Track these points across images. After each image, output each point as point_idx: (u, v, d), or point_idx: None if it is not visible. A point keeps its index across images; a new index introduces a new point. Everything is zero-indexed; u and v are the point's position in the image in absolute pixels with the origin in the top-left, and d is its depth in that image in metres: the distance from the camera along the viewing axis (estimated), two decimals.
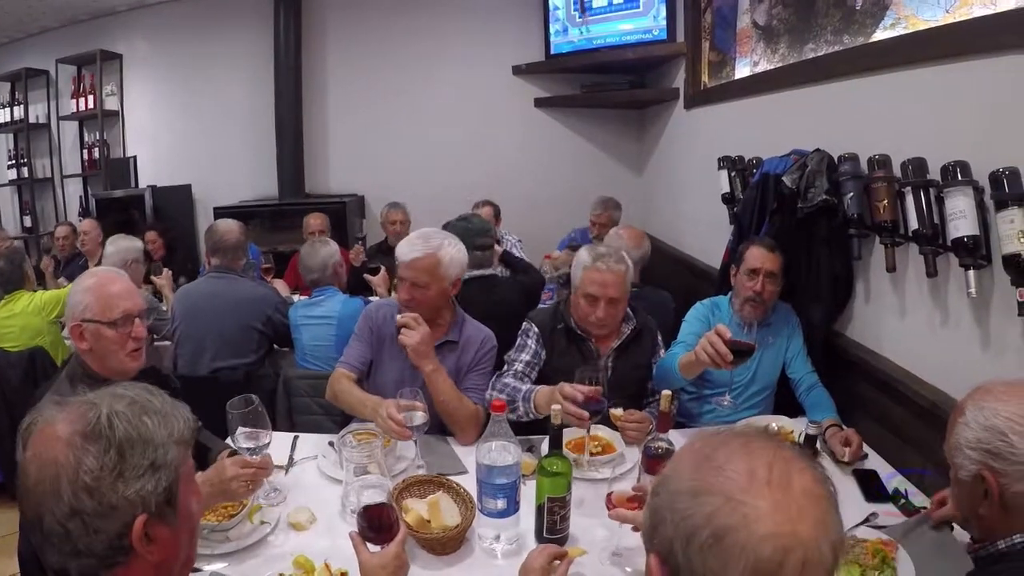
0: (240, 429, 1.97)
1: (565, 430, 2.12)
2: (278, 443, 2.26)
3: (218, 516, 1.95)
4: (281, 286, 4.46)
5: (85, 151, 6.81)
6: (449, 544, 1.87)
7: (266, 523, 1.98)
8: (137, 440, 1.08)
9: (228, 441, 2.11)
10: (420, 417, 2.20)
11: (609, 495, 1.89)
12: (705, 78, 4.72)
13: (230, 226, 3.60)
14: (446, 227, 3.45)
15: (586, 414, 2.12)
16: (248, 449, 1.96)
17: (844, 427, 2.52)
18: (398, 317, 2.45)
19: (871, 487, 2.22)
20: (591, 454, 2.31)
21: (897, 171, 2.39)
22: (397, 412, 2.19)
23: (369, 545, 1.56)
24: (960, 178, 2.07)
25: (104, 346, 2.02)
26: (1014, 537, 1.34)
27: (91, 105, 6.56)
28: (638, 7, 5.49)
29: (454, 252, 2.55)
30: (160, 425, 1.12)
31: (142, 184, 6.48)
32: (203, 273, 3.87)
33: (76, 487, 1.02)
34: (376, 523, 1.58)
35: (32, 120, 6.91)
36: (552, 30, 6.07)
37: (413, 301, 2.50)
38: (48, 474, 1.03)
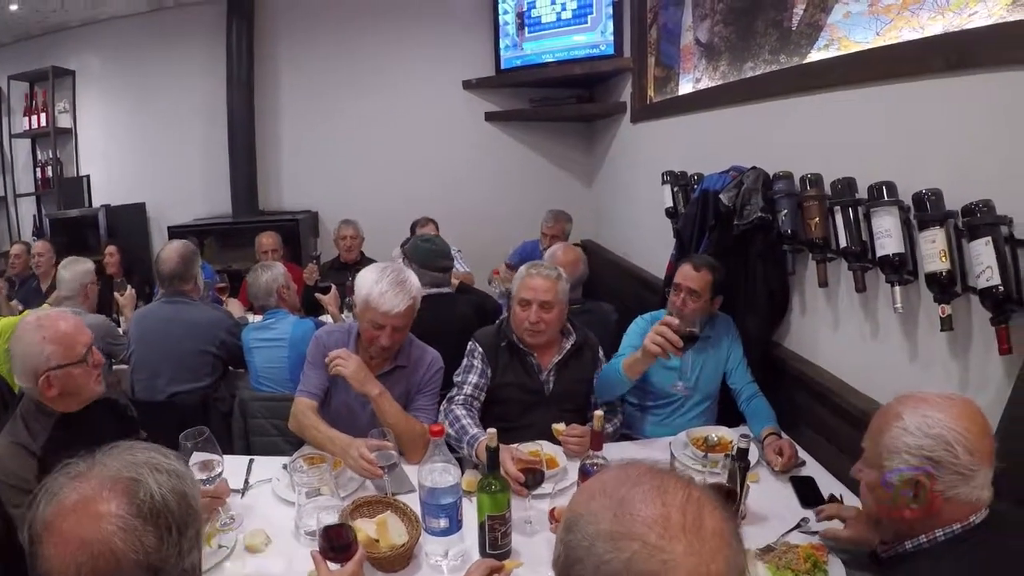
0: (193, 460, 1.97)
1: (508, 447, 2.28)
2: (234, 467, 2.29)
3: None
4: (236, 306, 4.38)
5: (38, 169, 6.62)
6: (397, 562, 1.90)
7: (224, 547, 1.97)
8: (189, 515, 1.09)
9: None
10: (390, 457, 2.21)
11: (552, 511, 2.00)
12: (651, 92, 4.74)
13: (168, 254, 3.49)
14: (406, 245, 3.48)
15: (526, 492, 2.13)
16: (201, 480, 1.95)
17: (783, 435, 2.55)
18: (329, 364, 2.46)
19: (807, 493, 2.25)
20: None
21: (829, 189, 2.42)
22: (369, 452, 2.20)
23: (329, 563, 1.61)
24: (886, 198, 2.10)
25: (75, 384, 2.01)
26: (920, 538, 1.43)
27: (44, 123, 6.39)
28: (586, 23, 5.52)
29: (418, 285, 2.57)
30: (195, 491, 1.14)
31: (96, 203, 6.34)
32: (157, 296, 3.78)
33: (140, 570, 1.00)
34: (337, 542, 1.64)
35: None
36: (502, 45, 6.07)
37: (396, 344, 2.53)
38: (105, 562, 0.99)
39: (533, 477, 2.12)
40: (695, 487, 0.94)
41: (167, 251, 3.51)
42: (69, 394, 2.01)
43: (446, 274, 3.51)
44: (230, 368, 3.58)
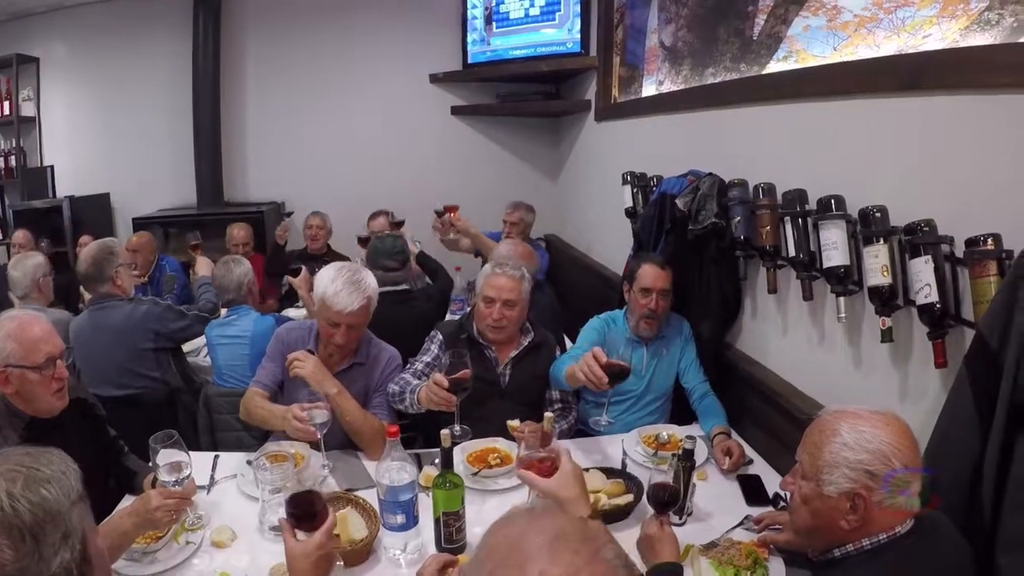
0: (161, 463, 1.96)
1: (465, 444, 2.48)
2: (200, 463, 2.30)
3: (146, 539, 1.97)
4: (204, 264, 4.06)
5: (1, 159, 6.37)
6: (358, 555, 1.95)
7: (191, 543, 2.02)
8: (45, 518, 1.07)
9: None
10: (322, 415, 2.28)
11: (520, 457, 2.00)
12: (616, 92, 4.73)
13: (82, 256, 3.33)
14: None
15: (453, 398, 2.29)
16: (170, 483, 1.95)
17: (733, 434, 2.61)
18: (290, 365, 2.50)
19: (753, 491, 2.30)
20: (490, 466, 2.42)
21: (781, 199, 2.44)
22: (301, 412, 2.29)
23: (299, 533, 1.61)
24: (834, 211, 2.12)
25: (30, 389, 2.00)
26: (847, 546, 1.48)
27: (7, 111, 6.15)
28: (553, 20, 5.49)
29: (374, 284, 2.59)
30: (59, 493, 1.11)
31: (60, 194, 6.14)
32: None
33: None
34: (301, 510, 1.63)
35: None
36: (469, 39, 6.03)
37: (352, 341, 2.57)
38: None
39: (458, 385, 2.27)
40: (597, 557, 0.84)
41: (82, 253, 3.37)
42: (25, 397, 2.01)
43: (395, 272, 3.54)
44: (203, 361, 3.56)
